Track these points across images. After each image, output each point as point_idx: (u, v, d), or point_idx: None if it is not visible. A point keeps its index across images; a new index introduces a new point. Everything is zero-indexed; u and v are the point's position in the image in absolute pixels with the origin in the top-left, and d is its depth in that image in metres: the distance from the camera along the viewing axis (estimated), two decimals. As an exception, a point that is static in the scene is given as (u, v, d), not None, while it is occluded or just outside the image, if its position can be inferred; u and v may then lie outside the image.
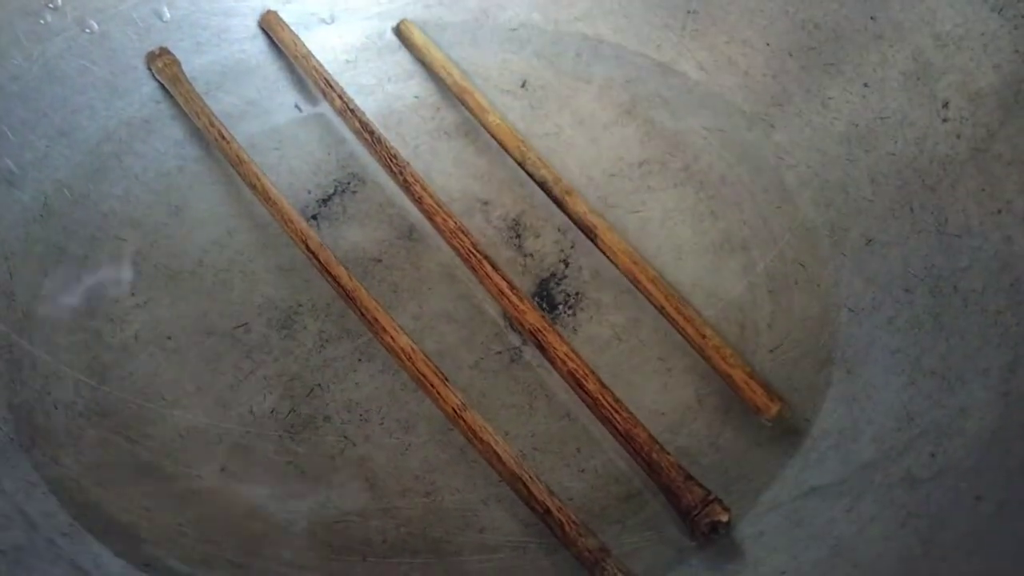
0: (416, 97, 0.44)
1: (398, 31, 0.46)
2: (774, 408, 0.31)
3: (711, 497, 0.29)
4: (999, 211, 0.32)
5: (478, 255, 0.34)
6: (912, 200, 0.35)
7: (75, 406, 0.33)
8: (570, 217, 0.37)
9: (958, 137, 0.34)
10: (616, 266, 0.35)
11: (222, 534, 0.29)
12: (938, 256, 0.33)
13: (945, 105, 0.35)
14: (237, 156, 0.37)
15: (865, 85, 0.38)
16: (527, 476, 0.29)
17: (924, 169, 0.35)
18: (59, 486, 0.30)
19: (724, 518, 0.28)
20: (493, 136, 0.40)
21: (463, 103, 0.42)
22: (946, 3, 0.36)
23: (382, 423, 0.33)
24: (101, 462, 0.32)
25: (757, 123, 0.41)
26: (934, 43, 0.36)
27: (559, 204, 0.37)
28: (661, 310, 0.33)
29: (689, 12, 0.44)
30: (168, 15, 0.42)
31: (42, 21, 0.39)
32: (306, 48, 0.43)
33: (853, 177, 0.37)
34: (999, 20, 0.34)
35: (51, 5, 0.39)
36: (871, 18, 0.38)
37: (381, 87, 0.44)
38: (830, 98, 0.39)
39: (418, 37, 0.45)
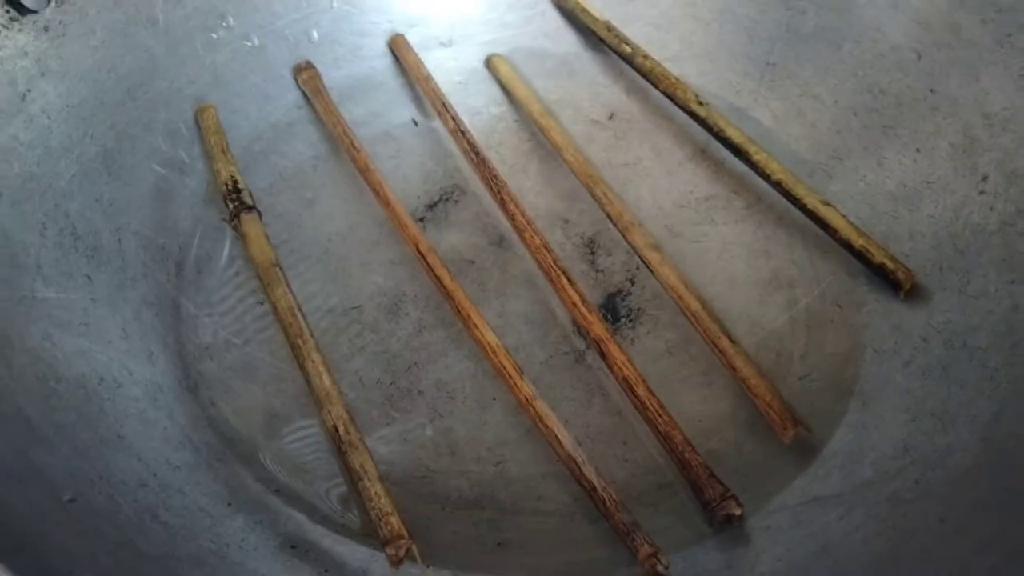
0: (516, 121, 0.49)
1: (488, 64, 0.50)
2: (791, 432, 0.34)
3: (729, 493, 0.32)
4: (1013, 281, 0.35)
5: (557, 269, 0.40)
6: (942, 260, 0.38)
7: (225, 360, 0.39)
8: (631, 247, 0.41)
9: (991, 209, 0.37)
10: (668, 295, 0.40)
11: (332, 471, 0.36)
12: (956, 313, 0.36)
13: (984, 179, 0.38)
14: (365, 164, 0.44)
15: (917, 151, 0.41)
16: (580, 458, 0.33)
17: (957, 234, 0.38)
18: (214, 422, 0.37)
19: (737, 512, 0.32)
20: (569, 168, 0.45)
21: (543, 134, 0.46)
22: (998, 87, 0.39)
23: (464, 401, 0.38)
24: (244, 407, 0.38)
25: (817, 172, 0.44)
26: (983, 121, 0.39)
27: (622, 235, 0.41)
28: (703, 338, 0.38)
29: (768, 64, 0.47)
30: (316, 35, 0.49)
31: (214, 35, 0.46)
32: (427, 71, 0.49)
33: (895, 232, 0.40)
34: (1044, 111, 0.37)
35: (224, 24, 0.47)
36: (931, 91, 0.41)
37: (487, 109, 0.49)
38: (885, 158, 0.42)
39: (504, 71, 0.49)
